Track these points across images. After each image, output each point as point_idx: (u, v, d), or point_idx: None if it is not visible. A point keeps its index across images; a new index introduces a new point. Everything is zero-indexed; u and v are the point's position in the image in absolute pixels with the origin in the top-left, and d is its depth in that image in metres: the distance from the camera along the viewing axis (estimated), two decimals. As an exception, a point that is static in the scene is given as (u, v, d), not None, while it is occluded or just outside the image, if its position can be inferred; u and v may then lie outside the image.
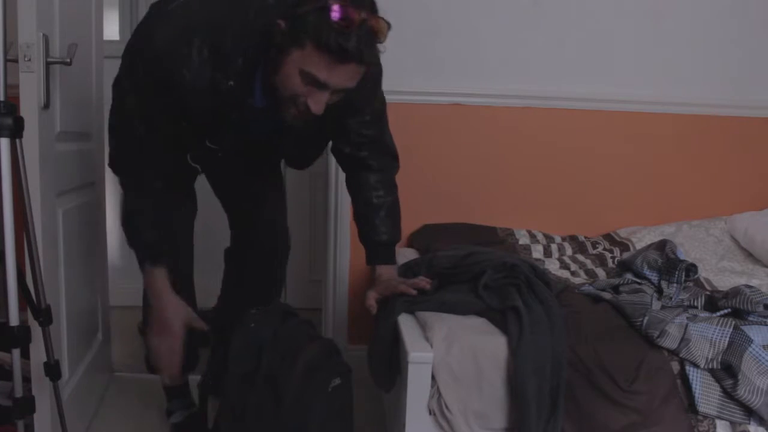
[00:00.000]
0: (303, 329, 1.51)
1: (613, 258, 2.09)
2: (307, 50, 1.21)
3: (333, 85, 1.26)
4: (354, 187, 1.69)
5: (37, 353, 1.47)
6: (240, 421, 1.37)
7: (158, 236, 1.50)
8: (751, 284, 1.72)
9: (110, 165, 1.73)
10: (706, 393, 1.39)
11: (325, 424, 1.37)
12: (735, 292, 1.58)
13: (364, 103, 1.55)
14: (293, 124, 1.36)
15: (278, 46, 1.26)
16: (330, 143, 1.70)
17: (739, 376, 1.37)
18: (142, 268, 1.52)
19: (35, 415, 1.45)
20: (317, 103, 1.28)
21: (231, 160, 1.63)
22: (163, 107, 1.40)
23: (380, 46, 1.27)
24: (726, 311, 1.57)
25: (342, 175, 2.21)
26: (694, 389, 1.39)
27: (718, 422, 1.40)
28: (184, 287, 1.86)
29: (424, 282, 1.57)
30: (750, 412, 1.38)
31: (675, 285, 1.68)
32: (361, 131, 1.59)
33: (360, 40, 1.19)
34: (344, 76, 1.25)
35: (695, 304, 1.64)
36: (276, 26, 1.25)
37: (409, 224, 2.27)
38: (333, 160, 2.19)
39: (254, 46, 1.32)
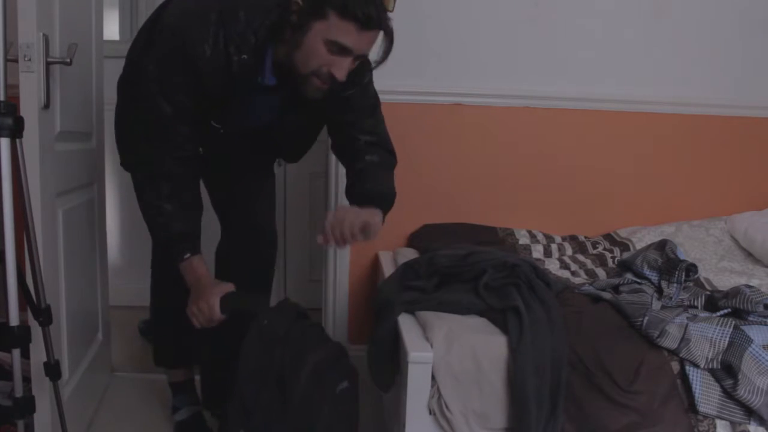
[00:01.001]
0: (314, 331, 1.52)
1: (613, 258, 2.09)
2: (331, 20, 1.30)
3: (357, 51, 1.34)
4: (354, 169, 1.64)
5: (37, 353, 1.47)
6: (249, 417, 1.37)
7: (189, 224, 1.52)
8: (751, 284, 1.72)
9: (123, 164, 1.76)
10: (706, 393, 1.39)
11: (331, 426, 1.37)
12: (735, 292, 1.58)
13: (360, 98, 1.61)
14: (314, 97, 1.42)
15: (296, 22, 1.33)
16: (319, 136, 1.73)
17: (739, 376, 1.37)
18: (179, 260, 1.51)
19: (35, 415, 1.44)
20: (341, 70, 1.35)
21: (230, 144, 1.65)
22: (185, 84, 1.44)
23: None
24: (726, 311, 1.57)
25: (342, 176, 2.21)
26: (694, 389, 1.39)
27: (718, 422, 1.40)
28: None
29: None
30: (750, 412, 1.38)
31: (675, 285, 1.68)
32: (358, 124, 1.63)
33: (378, 8, 1.31)
34: (367, 42, 1.35)
35: (695, 304, 1.64)
36: (292, 4, 1.32)
37: (409, 224, 2.27)
38: (333, 160, 2.20)
39: (266, 25, 1.38)
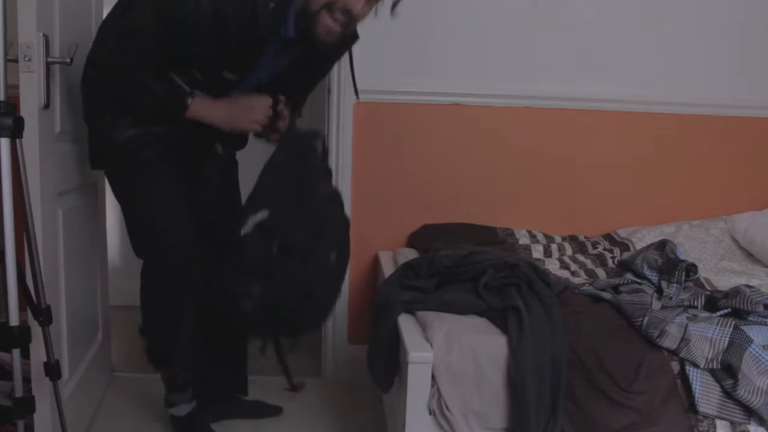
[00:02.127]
0: (325, 167, 1.62)
1: (613, 258, 2.09)
2: None
3: None
4: None
5: (37, 353, 1.47)
6: (268, 203, 1.45)
7: (168, 82, 1.52)
8: (751, 284, 1.72)
9: (91, 159, 1.67)
10: (706, 393, 1.40)
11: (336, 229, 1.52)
12: (735, 292, 1.58)
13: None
14: (325, 41, 1.44)
15: None
16: None
17: (739, 376, 1.37)
18: (184, 108, 1.51)
19: (35, 415, 1.45)
20: (357, 2, 1.39)
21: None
22: (197, 32, 1.42)
23: None
24: (726, 311, 1.57)
25: (342, 173, 2.21)
26: (694, 389, 1.39)
27: (718, 422, 1.40)
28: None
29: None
30: (750, 412, 1.38)
31: (675, 285, 1.68)
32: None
33: None
34: None
35: (695, 304, 1.64)
36: None
37: (409, 224, 2.27)
38: (333, 160, 2.20)
39: None
